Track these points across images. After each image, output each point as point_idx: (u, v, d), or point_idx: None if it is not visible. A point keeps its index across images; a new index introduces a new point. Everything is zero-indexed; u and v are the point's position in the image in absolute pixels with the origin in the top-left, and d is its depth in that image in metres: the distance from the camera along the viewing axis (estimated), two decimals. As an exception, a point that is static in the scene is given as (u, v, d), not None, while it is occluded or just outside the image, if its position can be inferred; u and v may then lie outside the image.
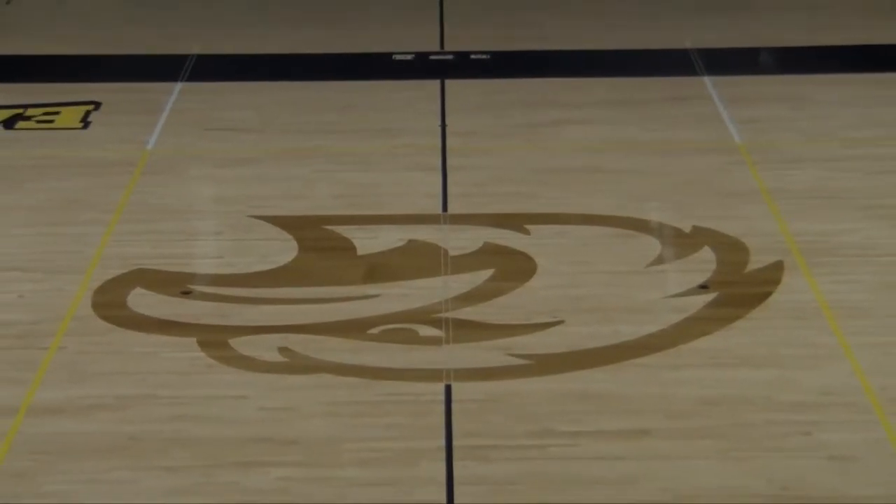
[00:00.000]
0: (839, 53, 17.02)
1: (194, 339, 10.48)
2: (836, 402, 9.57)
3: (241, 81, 16.27)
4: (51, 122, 14.89)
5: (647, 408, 9.54)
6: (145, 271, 11.52)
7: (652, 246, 11.96)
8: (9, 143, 14.37)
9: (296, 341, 10.43)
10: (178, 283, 11.33)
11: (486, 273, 11.44)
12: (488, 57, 16.95)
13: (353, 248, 11.91)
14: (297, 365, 10.14)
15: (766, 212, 12.46)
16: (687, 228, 12.20)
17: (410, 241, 12.03)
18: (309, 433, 9.30)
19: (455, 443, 9.16)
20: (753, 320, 10.69)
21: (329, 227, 12.31)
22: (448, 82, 15.94)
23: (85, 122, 14.87)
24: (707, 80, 15.84)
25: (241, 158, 13.93)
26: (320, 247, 11.97)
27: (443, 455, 9.02)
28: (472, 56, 16.98)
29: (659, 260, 11.72)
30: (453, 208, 12.68)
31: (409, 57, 16.97)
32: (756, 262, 11.57)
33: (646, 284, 11.28)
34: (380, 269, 11.57)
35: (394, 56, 17.00)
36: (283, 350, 10.33)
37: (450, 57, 16.99)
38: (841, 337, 10.38)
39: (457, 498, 8.59)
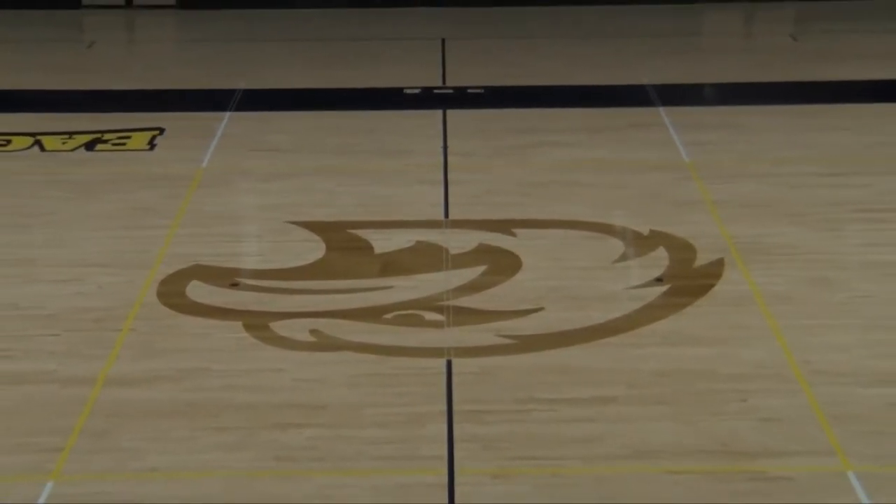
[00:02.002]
0: (770, 89, 16.98)
1: (240, 323, 10.49)
2: (767, 374, 9.60)
3: (279, 111, 16.24)
4: (123, 144, 14.88)
5: (612, 379, 9.56)
6: (200, 267, 11.53)
7: (617, 246, 11.95)
8: (90, 161, 14.35)
9: (324, 325, 10.45)
10: (227, 277, 11.35)
11: (481, 268, 11.44)
12: (482, 91, 16.92)
13: (371, 248, 11.92)
14: (325, 344, 10.17)
15: (709, 218, 12.46)
16: (645, 232, 12.20)
17: (418, 242, 12.03)
18: (334, 400, 9.33)
19: (454, 408, 9.19)
20: (700, 307, 10.70)
21: (351, 231, 12.31)
22: (449, 112, 15.91)
23: (151, 145, 14.85)
24: (662, 111, 15.82)
25: (279, 174, 13.93)
26: (344, 247, 11.97)
27: (444, 418, 9.06)
28: (469, 90, 16.96)
29: (623, 257, 11.71)
30: (453, 215, 12.67)
31: (417, 91, 16.96)
32: (702, 259, 11.57)
33: (612, 278, 11.30)
34: (393, 265, 11.57)
35: (404, 90, 16.99)
36: (313, 332, 10.35)
37: (450, 91, 16.98)
38: (771, 320, 10.40)
39: (456, 453, 8.63)
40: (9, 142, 14.95)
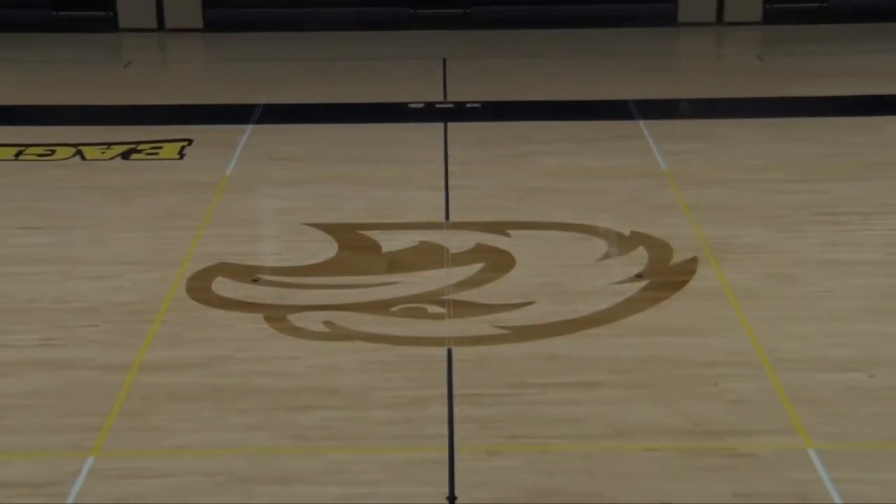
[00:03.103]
0: (738, 104, 16.98)
1: (261, 315, 10.49)
2: (737, 361, 9.61)
3: (296, 124, 16.23)
4: (156, 154, 14.89)
5: (596, 366, 9.57)
6: (225, 265, 11.54)
7: (601, 246, 11.95)
8: (126, 169, 14.36)
9: (336, 317, 10.46)
10: (248, 274, 11.36)
11: (478, 266, 11.44)
12: (480, 106, 16.91)
13: (379, 247, 11.92)
14: (337, 334, 10.17)
15: (684, 220, 12.46)
16: (627, 233, 12.20)
17: (421, 241, 12.03)
18: (346, 384, 9.34)
19: (454, 392, 9.21)
20: (676, 300, 10.70)
21: (361, 232, 12.31)
22: (450, 124, 15.90)
23: (181, 154, 14.86)
24: (641, 123, 15.80)
25: (295, 181, 13.94)
26: (354, 246, 11.97)
27: (445, 401, 9.07)
28: (468, 105, 16.94)
29: (606, 256, 11.71)
30: (453, 218, 12.67)
31: (420, 106, 16.95)
32: (678, 257, 11.57)
33: (596, 274, 11.29)
34: (398, 262, 11.57)
35: (409, 105, 16.98)
36: (326, 323, 10.35)
37: (451, 106, 16.97)
38: (740, 312, 10.40)
39: (455, 432, 8.64)
40: (53, 152, 14.96)
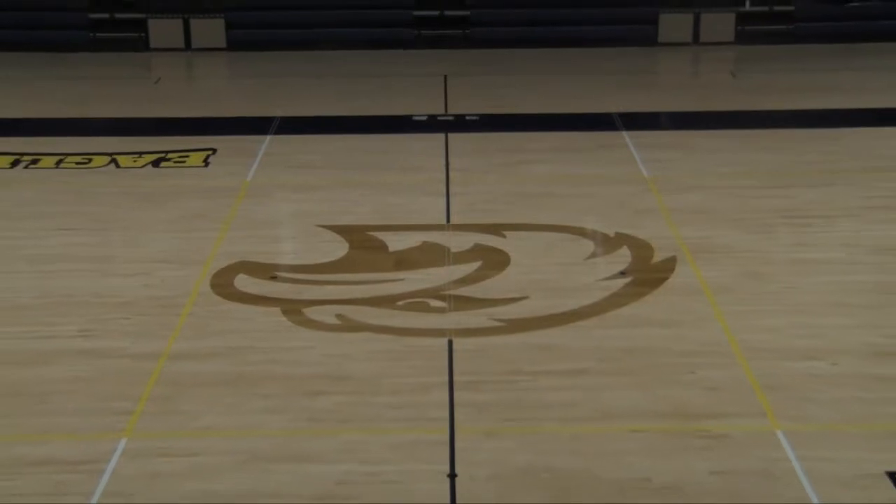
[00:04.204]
0: (714, 116, 16.97)
1: (279, 309, 10.49)
2: (712, 351, 9.61)
3: (310, 135, 16.22)
4: (183, 162, 14.89)
5: (584, 355, 9.58)
6: (246, 263, 11.53)
7: (588, 246, 11.95)
8: (156, 176, 14.36)
9: (347, 310, 10.46)
10: (267, 271, 11.36)
11: (476, 264, 11.44)
12: (477, 118, 16.90)
13: (386, 247, 11.92)
14: (348, 326, 10.17)
15: (664, 223, 12.45)
16: (612, 234, 12.19)
17: (425, 242, 12.02)
18: (356, 372, 9.34)
19: (455, 378, 9.21)
20: (657, 295, 10.70)
21: (369, 233, 12.30)
22: (450, 135, 15.90)
23: (206, 162, 14.85)
24: (625, 134, 15.80)
25: (310, 186, 13.92)
26: (364, 246, 11.97)
27: (446, 387, 9.07)
28: (467, 118, 16.92)
29: (593, 255, 11.71)
30: (454, 220, 12.66)
31: (424, 118, 16.94)
32: (658, 256, 11.56)
33: (584, 272, 11.29)
34: (404, 261, 11.56)
35: (413, 117, 16.97)
36: (338, 316, 10.35)
37: (451, 118, 16.96)
38: (715, 307, 10.41)
39: (456, 415, 8.65)
40: (90, 160, 14.97)
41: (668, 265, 11.33)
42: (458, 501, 7.66)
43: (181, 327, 10.12)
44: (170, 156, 15.10)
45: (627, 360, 9.48)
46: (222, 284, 11.02)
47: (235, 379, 9.23)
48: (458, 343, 9.80)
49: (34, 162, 14.89)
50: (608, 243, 11.97)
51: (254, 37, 22.05)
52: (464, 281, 11.04)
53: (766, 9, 22.30)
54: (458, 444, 8.28)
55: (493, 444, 8.29)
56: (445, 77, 19.62)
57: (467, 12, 22.27)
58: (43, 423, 8.61)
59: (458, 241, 12.00)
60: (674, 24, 21.94)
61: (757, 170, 14.28)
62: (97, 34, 22.16)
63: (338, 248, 11.90)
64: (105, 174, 14.46)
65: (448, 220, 12.70)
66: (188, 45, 22.04)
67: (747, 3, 22.24)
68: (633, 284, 10.93)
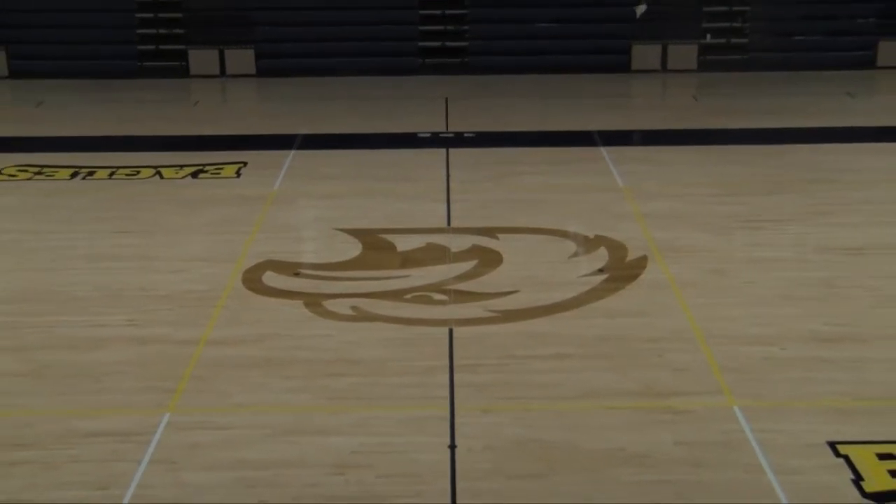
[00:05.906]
0: (679, 134, 16.94)
1: (301, 301, 10.47)
2: (678, 338, 9.59)
3: (330, 150, 16.17)
4: (218, 173, 14.86)
5: (567, 341, 9.55)
6: (272, 261, 11.50)
7: (571, 246, 11.93)
8: (194, 186, 14.34)
9: (361, 303, 10.44)
10: (291, 268, 11.33)
11: (474, 262, 11.42)
12: (474, 135, 16.86)
13: (395, 247, 11.89)
14: (362, 316, 10.15)
15: (637, 226, 12.42)
16: (591, 236, 12.17)
17: (428, 243, 11.99)
18: (369, 357, 9.33)
19: (455, 362, 9.20)
20: (631, 290, 10.68)
21: (380, 235, 12.28)
22: (451, 150, 15.87)
23: (238, 174, 14.82)
24: (603, 149, 15.76)
25: (329, 195, 13.90)
26: (375, 246, 11.94)
27: (448, 370, 9.06)
28: (465, 135, 16.89)
29: (575, 254, 11.69)
30: (454, 224, 12.63)
31: (427, 135, 16.90)
32: (632, 255, 11.54)
33: (567, 269, 11.27)
34: (410, 260, 11.53)
35: (419, 134, 16.94)
36: (353, 308, 10.33)
37: (451, 135, 16.93)
38: (680, 299, 10.38)
39: (456, 395, 8.63)
40: (138, 172, 14.95)
41: (641, 263, 11.32)
42: (457, 469, 7.65)
43: (216, 317, 10.11)
44: (207, 168, 15.08)
45: (604, 346, 9.46)
46: (252, 280, 11.00)
47: (264, 362, 9.22)
48: (458, 331, 9.78)
49: (90, 174, 14.87)
50: (588, 244, 11.95)
51: (280, 65, 22.09)
52: (463, 277, 11.03)
53: (724, 41, 22.49)
54: (457, 420, 8.27)
55: (488, 420, 8.28)
56: (446, 99, 19.59)
57: (466, 43, 22.37)
58: (97, 400, 8.61)
59: (458, 242, 11.98)
60: (644, 54, 22.01)
61: (717, 180, 14.26)
62: (144, 63, 22.24)
63: (353, 249, 11.88)
64: (151, 184, 14.44)
65: (449, 223, 12.68)
66: (223, 72, 22.06)
67: (708, 37, 22.41)
68: (609, 280, 10.91)
